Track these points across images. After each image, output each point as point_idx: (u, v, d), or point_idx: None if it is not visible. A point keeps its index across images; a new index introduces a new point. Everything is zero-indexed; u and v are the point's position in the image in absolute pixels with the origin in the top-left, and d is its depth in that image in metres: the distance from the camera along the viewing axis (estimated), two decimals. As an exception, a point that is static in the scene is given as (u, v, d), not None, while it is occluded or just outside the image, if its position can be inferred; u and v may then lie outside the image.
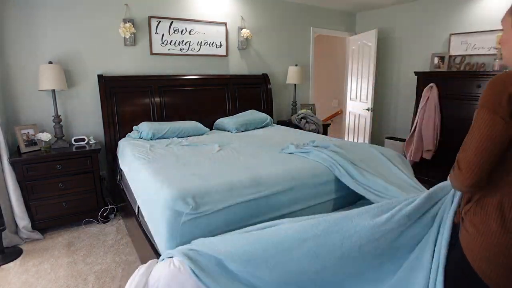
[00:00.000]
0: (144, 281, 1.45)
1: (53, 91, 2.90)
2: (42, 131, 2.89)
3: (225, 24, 3.95)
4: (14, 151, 2.81)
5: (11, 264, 2.38)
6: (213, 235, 1.64)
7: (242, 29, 4.03)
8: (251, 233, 1.55)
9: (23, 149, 2.77)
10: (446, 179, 1.23)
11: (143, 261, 1.96)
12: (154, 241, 1.87)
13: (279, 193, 1.90)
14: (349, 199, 2.19)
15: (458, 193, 1.20)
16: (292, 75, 4.34)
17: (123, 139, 3.12)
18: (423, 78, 3.89)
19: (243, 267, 1.44)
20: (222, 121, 3.68)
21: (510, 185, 0.92)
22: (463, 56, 3.85)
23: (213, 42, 3.91)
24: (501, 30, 1.00)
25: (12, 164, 2.61)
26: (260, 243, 1.46)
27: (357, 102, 4.95)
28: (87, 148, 2.97)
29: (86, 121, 3.26)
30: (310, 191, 2.03)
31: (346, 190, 2.12)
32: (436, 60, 4.02)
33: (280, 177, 1.97)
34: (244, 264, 1.43)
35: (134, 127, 3.22)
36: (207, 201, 1.69)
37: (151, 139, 3.05)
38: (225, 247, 1.48)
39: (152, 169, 2.13)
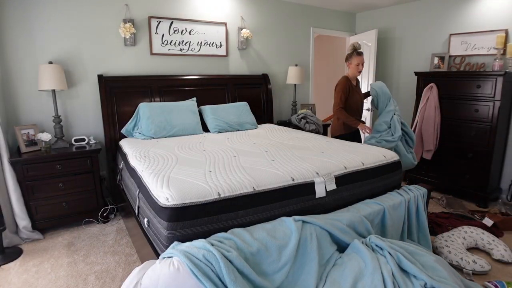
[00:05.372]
0: (135, 282, 1.45)
1: (53, 91, 2.90)
2: (42, 131, 2.89)
3: (225, 24, 3.95)
4: (14, 151, 2.82)
5: (11, 264, 2.39)
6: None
7: (242, 29, 4.03)
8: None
9: (23, 149, 2.77)
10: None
11: (143, 261, 1.96)
12: (154, 241, 1.87)
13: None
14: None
15: None
16: (292, 75, 4.33)
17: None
18: (423, 78, 3.88)
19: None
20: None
21: None
22: (463, 56, 3.84)
23: (213, 42, 3.90)
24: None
25: (12, 164, 2.62)
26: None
27: (357, 102, 4.93)
28: (87, 148, 2.97)
29: (86, 121, 3.26)
30: None
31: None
32: (436, 60, 4.02)
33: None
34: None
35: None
36: None
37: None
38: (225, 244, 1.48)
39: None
